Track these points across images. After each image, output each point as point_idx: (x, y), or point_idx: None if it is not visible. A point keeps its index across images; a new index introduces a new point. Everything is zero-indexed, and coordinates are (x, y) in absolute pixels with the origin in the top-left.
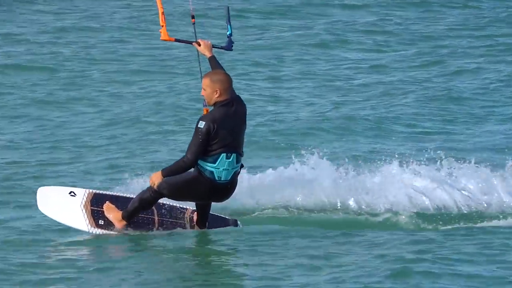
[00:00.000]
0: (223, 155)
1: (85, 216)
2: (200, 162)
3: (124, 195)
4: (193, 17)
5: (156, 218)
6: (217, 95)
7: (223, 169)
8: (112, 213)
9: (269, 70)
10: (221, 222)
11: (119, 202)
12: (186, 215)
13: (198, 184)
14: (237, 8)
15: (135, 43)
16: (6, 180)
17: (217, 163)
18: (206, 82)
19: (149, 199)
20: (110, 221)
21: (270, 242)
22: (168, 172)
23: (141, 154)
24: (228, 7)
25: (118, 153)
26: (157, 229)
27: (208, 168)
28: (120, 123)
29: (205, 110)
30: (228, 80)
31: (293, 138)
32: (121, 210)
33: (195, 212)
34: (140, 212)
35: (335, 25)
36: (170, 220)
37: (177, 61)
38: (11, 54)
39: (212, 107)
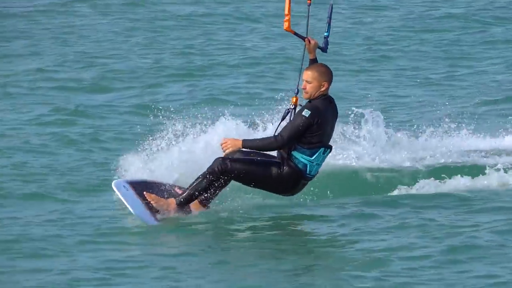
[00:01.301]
0: (322, 149)
1: (147, 211)
2: (295, 153)
3: (153, 180)
4: None
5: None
6: (323, 88)
7: (316, 164)
8: (164, 203)
9: None
10: None
11: (154, 189)
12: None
13: (286, 176)
14: None
15: None
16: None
17: (314, 156)
18: (313, 75)
19: (211, 179)
20: (163, 211)
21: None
22: (250, 144)
23: None
24: (331, 4)
25: None
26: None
27: (303, 160)
28: None
29: (293, 99)
30: (332, 74)
31: None
32: (165, 197)
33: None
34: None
35: None
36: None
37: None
38: None
39: (308, 101)
